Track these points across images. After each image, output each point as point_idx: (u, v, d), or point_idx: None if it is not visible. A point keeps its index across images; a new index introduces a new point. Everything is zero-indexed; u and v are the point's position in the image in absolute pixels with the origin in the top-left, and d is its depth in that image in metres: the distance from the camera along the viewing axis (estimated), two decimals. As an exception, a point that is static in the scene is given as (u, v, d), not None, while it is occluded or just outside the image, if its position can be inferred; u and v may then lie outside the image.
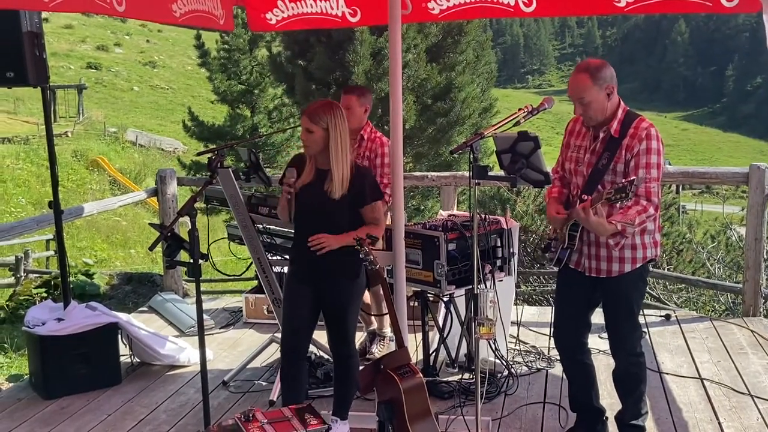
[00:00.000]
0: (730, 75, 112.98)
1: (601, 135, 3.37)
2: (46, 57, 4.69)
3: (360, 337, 5.20)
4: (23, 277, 12.02)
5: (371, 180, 3.70)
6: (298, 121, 14.37)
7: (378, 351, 5.03)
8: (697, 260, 10.19)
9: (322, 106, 3.55)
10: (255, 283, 6.43)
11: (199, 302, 3.40)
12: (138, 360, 5.08)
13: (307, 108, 3.59)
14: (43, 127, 5.11)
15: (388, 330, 5.12)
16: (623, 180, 3.15)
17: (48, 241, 16.11)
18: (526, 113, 3.44)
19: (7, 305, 8.22)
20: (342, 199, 3.55)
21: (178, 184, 6.80)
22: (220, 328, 5.86)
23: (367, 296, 5.11)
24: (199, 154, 4.58)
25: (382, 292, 4.05)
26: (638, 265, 3.40)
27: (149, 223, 3.87)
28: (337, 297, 3.67)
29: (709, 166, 7.34)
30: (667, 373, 4.69)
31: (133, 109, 44.06)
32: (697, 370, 4.76)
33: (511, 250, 4.47)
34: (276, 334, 4.96)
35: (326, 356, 4.81)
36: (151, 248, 3.21)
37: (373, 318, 5.18)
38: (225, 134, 17.34)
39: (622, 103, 3.37)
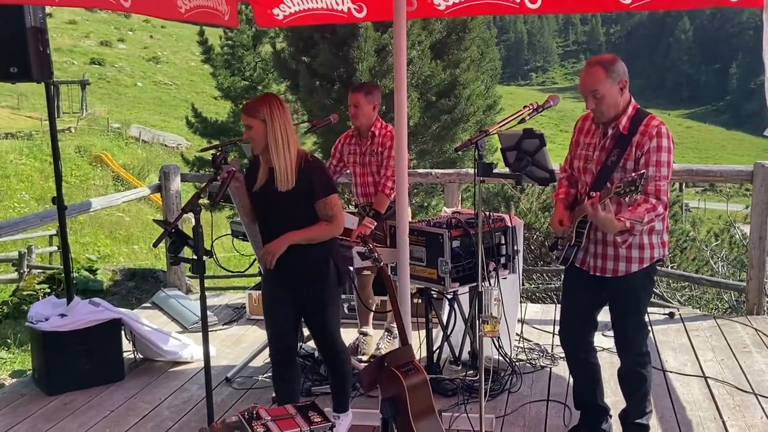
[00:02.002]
0: (734, 73, 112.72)
1: (611, 132, 3.35)
2: (49, 52, 4.68)
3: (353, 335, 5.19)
4: (26, 273, 12.05)
5: (320, 173, 3.52)
6: (302, 117, 14.34)
7: (384, 347, 5.02)
8: (701, 258, 10.18)
9: (258, 99, 3.49)
10: (258, 279, 6.42)
11: (203, 298, 3.39)
12: (141, 356, 5.08)
13: (245, 104, 3.52)
14: (47, 122, 5.12)
15: (395, 326, 5.12)
16: (633, 173, 3.12)
17: (51, 236, 16.13)
18: (531, 110, 3.43)
19: (11, 301, 8.23)
20: (294, 194, 3.45)
21: (181, 180, 6.79)
22: (223, 325, 5.86)
23: (370, 293, 5.12)
24: (202, 150, 4.57)
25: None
26: (645, 265, 3.38)
27: (153, 220, 3.87)
28: (310, 300, 3.61)
29: (713, 164, 7.33)
30: (671, 372, 4.68)
31: (137, 105, 44.10)
32: (701, 368, 4.75)
33: (516, 248, 4.47)
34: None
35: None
36: (155, 244, 3.20)
37: (370, 320, 5.19)
38: (228, 130, 17.32)
39: (633, 100, 3.35)
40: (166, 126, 39.17)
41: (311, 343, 4.90)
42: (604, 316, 3.62)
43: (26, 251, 13.17)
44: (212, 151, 3.98)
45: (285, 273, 3.56)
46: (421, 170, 7.36)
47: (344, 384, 3.82)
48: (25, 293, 8.11)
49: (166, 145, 34.46)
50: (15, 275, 12.72)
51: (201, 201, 3.41)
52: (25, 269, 12.57)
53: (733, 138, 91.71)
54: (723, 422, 3.98)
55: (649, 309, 5.81)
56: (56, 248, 15.82)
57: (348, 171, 5.07)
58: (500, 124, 3.44)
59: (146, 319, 5.19)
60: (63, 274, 5.30)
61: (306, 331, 4.80)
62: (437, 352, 4.67)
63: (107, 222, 20.97)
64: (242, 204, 3.68)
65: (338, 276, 3.65)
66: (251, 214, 3.67)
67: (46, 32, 4.62)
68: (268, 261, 3.48)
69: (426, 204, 12.86)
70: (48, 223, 6.01)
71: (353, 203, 5.13)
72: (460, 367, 4.71)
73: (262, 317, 5.85)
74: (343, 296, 5.81)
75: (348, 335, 5.38)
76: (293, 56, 12.80)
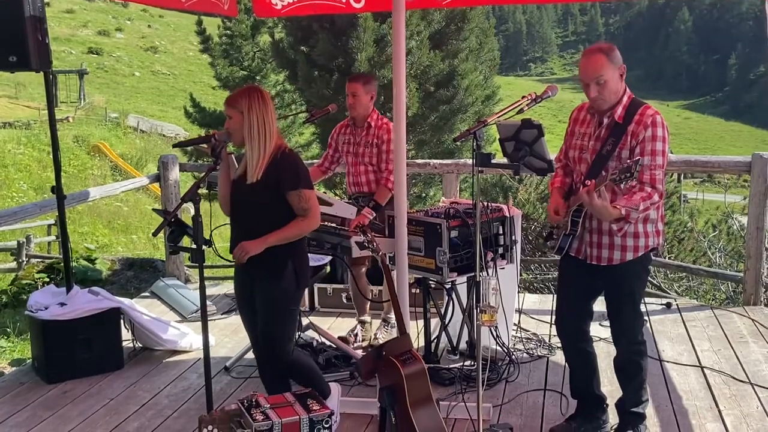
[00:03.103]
0: (733, 64, 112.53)
1: (606, 121, 3.36)
2: (48, 42, 4.68)
3: (351, 324, 5.21)
4: (25, 262, 12.05)
5: (291, 165, 3.46)
6: (300, 108, 14.32)
7: (382, 337, 5.05)
8: (699, 249, 10.20)
9: (240, 91, 3.49)
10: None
11: (202, 288, 3.41)
12: (140, 345, 5.10)
13: (228, 95, 3.52)
14: (45, 112, 5.12)
15: (392, 316, 5.14)
16: (628, 160, 3.14)
17: (49, 226, 16.13)
18: (529, 101, 3.43)
19: (9, 290, 8.24)
20: (260, 186, 3.42)
21: (180, 170, 6.80)
22: (221, 314, 5.88)
23: (366, 283, 5.13)
24: (183, 144, 4.54)
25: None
26: (640, 254, 3.40)
27: (153, 209, 3.89)
28: (260, 296, 3.55)
29: (711, 155, 7.34)
30: (668, 361, 4.71)
31: (135, 95, 43.97)
32: (698, 358, 4.78)
33: (513, 238, 4.48)
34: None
35: (327, 342, 4.83)
36: (155, 234, 3.22)
37: (367, 309, 5.21)
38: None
39: (628, 90, 3.37)
40: (164, 116, 39.08)
41: (309, 333, 4.92)
42: (600, 305, 3.64)
43: (25, 241, 13.17)
44: (208, 142, 3.98)
45: (244, 266, 3.51)
46: (419, 161, 7.36)
47: (311, 380, 3.70)
48: (24, 282, 8.12)
49: (164, 135, 34.37)
50: (14, 264, 12.72)
51: (200, 191, 3.42)
52: (24, 259, 12.57)
53: (731, 129, 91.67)
54: (719, 411, 4.01)
55: (647, 299, 5.85)
56: (54, 238, 15.83)
57: (344, 161, 5.09)
58: (498, 115, 3.45)
59: (145, 308, 5.21)
60: (62, 264, 5.31)
61: (304, 321, 4.82)
62: (435, 341, 4.70)
63: (105, 212, 20.96)
64: (219, 182, 3.64)
65: (296, 278, 3.55)
66: (225, 200, 3.63)
67: (44, 21, 4.62)
68: (240, 257, 3.43)
69: (424, 194, 12.86)
70: (47, 213, 6.03)
71: (347, 193, 5.15)
72: (457, 357, 4.74)
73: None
74: (340, 286, 5.84)
75: (345, 324, 5.42)
76: (292, 46, 12.76)
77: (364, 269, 5.07)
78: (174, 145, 4.08)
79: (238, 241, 3.50)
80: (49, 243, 15.93)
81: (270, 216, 3.47)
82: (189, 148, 18.14)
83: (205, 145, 3.55)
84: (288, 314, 3.57)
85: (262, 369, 3.79)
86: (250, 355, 4.85)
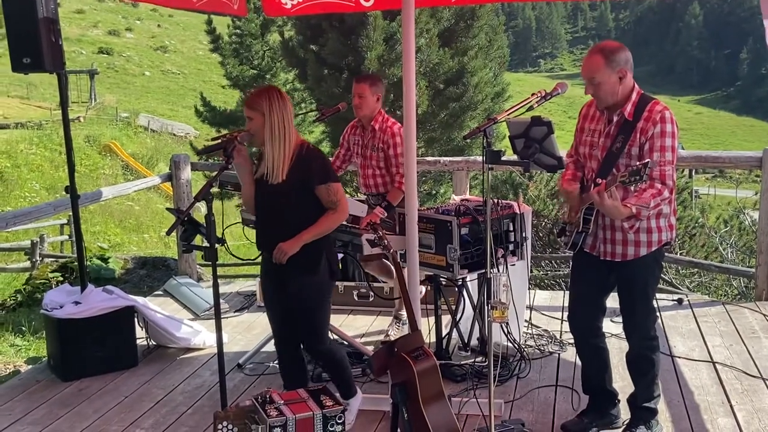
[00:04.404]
0: (744, 58, 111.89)
1: (615, 118, 3.37)
2: (61, 43, 4.72)
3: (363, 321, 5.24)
4: (39, 262, 12.15)
5: (318, 161, 3.54)
6: (310, 106, 14.35)
7: (394, 334, 5.07)
8: (710, 245, 10.17)
9: (259, 91, 3.52)
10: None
11: (215, 286, 3.44)
12: (154, 343, 5.14)
13: (247, 96, 3.57)
14: (56, 112, 5.18)
15: (404, 312, 5.16)
16: (637, 162, 3.15)
17: (62, 225, 16.25)
18: (539, 98, 3.44)
19: (24, 289, 8.31)
20: (285, 187, 3.47)
21: (191, 170, 6.84)
22: (234, 312, 5.91)
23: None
24: (213, 140, 4.60)
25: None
26: (653, 249, 3.41)
27: (166, 208, 3.92)
28: (297, 292, 3.59)
29: (723, 150, 7.32)
30: (679, 357, 4.71)
31: (145, 94, 44.19)
32: (709, 353, 4.77)
33: (524, 235, 4.49)
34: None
35: (339, 340, 4.85)
36: (169, 232, 3.25)
37: (395, 301, 5.22)
38: (237, 119, 17.34)
39: (636, 86, 3.37)
40: (174, 115, 39.25)
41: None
42: (611, 302, 3.65)
43: (38, 240, 13.27)
44: (219, 140, 4.02)
45: (275, 264, 3.54)
46: (429, 158, 7.38)
47: (341, 373, 3.80)
48: (38, 282, 8.18)
49: (174, 134, 34.54)
50: (28, 264, 12.83)
51: (212, 190, 3.45)
52: (38, 258, 12.68)
53: (743, 124, 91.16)
54: (731, 406, 4.01)
55: (658, 295, 5.84)
56: (67, 237, 15.95)
57: (355, 160, 5.11)
58: (508, 112, 3.46)
59: (158, 307, 5.25)
60: (75, 263, 5.36)
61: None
62: (446, 338, 4.71)
63: (117, 211, 21.10)
64: (242, 184, 3.67)
65: (330, 270, 3.65)
66: (250, 200, 3.67)
67: (57, 22, 4.66)
68: (280, 259, 3.50)
69: (434, 192, 12.87)
70: (61, 212, 6.07)
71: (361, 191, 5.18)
72: (468, 353, 4.76)
73: (273, 304, 5.96)
74: (351, 283, 5.86)
75: (356, 322, 5.45)
76: (301, 45, 12.79)
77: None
78: (198, 153, 4.07)
79: (267, 240, 3.56)
80: (61, 242, 16.04)
81: (300, 213, 3.53)
82: (200, 147, 18.22)
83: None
84: (325, 305, 3.68)
85: (283, 361, 3.82)
86: (263, 352, 4.90)
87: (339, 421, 3.21)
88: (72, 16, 57.54)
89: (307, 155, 3.51)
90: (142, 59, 52.49)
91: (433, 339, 4.71)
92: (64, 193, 5.06)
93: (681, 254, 9.19)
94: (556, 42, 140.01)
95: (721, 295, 8.64)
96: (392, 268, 5.02)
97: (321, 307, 3.66)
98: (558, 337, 5.08)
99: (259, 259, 6.18)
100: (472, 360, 4.62)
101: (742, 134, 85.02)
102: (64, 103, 5.00)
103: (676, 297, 5.99)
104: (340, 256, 5.42)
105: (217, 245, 3.33)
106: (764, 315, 5.44)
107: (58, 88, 4.96)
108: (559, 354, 4.80)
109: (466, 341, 4.79)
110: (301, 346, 3.79)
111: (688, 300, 5.90)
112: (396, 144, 4.75)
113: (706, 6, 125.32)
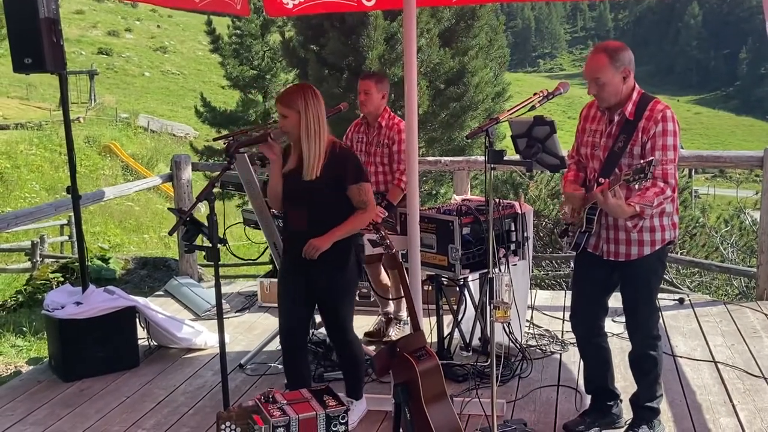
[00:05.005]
0: (743, 58, 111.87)
1: (616, 118, 3.38)
2: (62, 43, 4.72)
3: (375, 320, 5.24)
4: (40, 262, 12.15)
5: (352, 160, 3.61)
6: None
7: (395, 334, 5.06)
8: (711, 244, 10.18)
9: (293, 89, 3.54)
10: (269, 267, 6.47)
11: (218, 286, 3.44)
12: (155, 343, 5.14)
13: (281, 94, 3.58)
14: (56, 112, 5.17)
15: (404, 314, 5.16)
16: (641, 161, 3.15)
17: (62, 226, 16.24)
18: (541, 98, 3.44)
19: (25, 289, 8.31)
20: (319, 183, 3.51)
21: (192, 170, 6.83)
22: (235, 312, 5.91)
23: (384, 278, 5.15)
24: (215, 140, 4.62)
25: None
26: (657, 248, 3.41)
27: (168, 208, 3.92)
28: (327, 286, 3.65)
29: (723, 150, 7.33)
30: (681, 357, 4.71)
31: (145, 95, 44.16)
32: (711, 353, 4.77)
33: (525, 235, 4.49)
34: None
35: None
36: (171, 233, 3.25)
37: (390, 301, 5.22)
38: (237, 120, 17.36)
39: (637, 86, 3.37)
40: (174, 116, 39.24)
41: (323, 330, 4.94)
42: (613, 301, 3.65)
43: (39, 241, 13.27)
44: (224, 141, 4.04)
45: (307, 259, 3.57)
46: (430, 158, 7.37)
47: (357, 371, 3.87)
48: (39, 282, 8.18)
49: (174, 135, 34.52)
50: (28, 264, 12.83)
51: (214, 190, 3.45)
52: (38, 259, 12.67)
53: (743, 123, 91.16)
54: (733, 406, 4.00)
55: (659, 295, 5.83)
56: (67, 238, 15.94)
57: None
58: (510, 112, 3.46)
59: (159, 307, 5.24)
60: (75, 263, 5.35)
61: (318, 318, 4.85)
62: (448, 338, 4.71)
63: (117, 211, 21.08)
64: (271, 179, 3.68)
65: (358, 266, 3.73)
66: (278, 196, 3.68)
67: (59, 23, 4.65)
68: (311, 254, 3.52)
69: (435, 192, 12.88)
70: (62, 213, 6.07)
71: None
72: (470, 353, 4.76)
73: (273, 305, 5.96)
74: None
75: (359, 321, 5.44)
76: (302, 45, 12.80)
77: (380, 266, 5.08)
78: (228, 149, 4.00)
79: (295, 236, 3.59)
80: (61, 243, 16.04)
81: (332, 210, 3.57)
82: (200, 147, 18.22)
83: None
84: (353, 298, 3.79)
85: (289, 358, 3.83)
86: (264, 352, 4.90)
87: (342, 421, 3.21)
88: (71, 16, 57.48)
89: (341, 154, 3.57)
90: (142, 60, 52.46)
91: (435, 339, 4.71)
92: (65, 193, 5.05)
93: (682, 254, 9.19)
94: (556, 42, 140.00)
95: (722, 295, 8.64)
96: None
97: (350, 301, 3.76)
98: (560, 337, 5.08)
99: (260, 260, 6.19)
100: (474, 360, 4.62)
101: (741, 134, 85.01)
102: (65, 104, 4.99)
103: (677, 297, 6.00)
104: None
105: (219, 245, 3.33)
106: (766, 314, 5.44)
107: (59, 88, 4.95)
108: (560, 354, 4.80)
109: (467, 341, 4.79)
110: (307, 345, 3.82)
111: (690, 300, 5.90)
112: (401, 140, 4.75)
113: (705, 6, 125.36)
